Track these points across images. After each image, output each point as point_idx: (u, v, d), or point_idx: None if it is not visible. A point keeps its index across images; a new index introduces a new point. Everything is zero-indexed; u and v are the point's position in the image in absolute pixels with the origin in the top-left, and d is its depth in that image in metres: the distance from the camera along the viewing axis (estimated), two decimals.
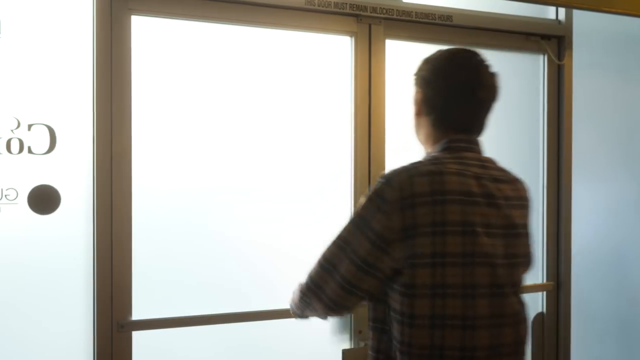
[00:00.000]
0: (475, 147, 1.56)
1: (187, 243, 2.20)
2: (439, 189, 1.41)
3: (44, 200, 1.98)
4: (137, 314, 2.08)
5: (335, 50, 2.40)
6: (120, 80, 2.06)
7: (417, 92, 1.60)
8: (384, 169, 2.35)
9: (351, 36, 2.39)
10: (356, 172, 2.38)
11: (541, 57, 2.79)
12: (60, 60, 2.01)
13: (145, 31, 2.12)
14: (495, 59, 1.61)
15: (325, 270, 1.50)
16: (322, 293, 1.51)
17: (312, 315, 1.65)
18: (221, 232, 2.24)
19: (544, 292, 2.78)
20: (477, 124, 1.57)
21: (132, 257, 2.08)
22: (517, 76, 2.75)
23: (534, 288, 2.76)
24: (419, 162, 1.51)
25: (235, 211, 2.26)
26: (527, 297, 1.60)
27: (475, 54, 1.56)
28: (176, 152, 2.18)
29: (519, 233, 1.54)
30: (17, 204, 1.95)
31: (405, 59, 2.41)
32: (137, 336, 2.09)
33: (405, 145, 2.19)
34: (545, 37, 2.74)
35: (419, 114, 1.60)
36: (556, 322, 2.78)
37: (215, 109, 2.25)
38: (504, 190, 1.51)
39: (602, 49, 3.11)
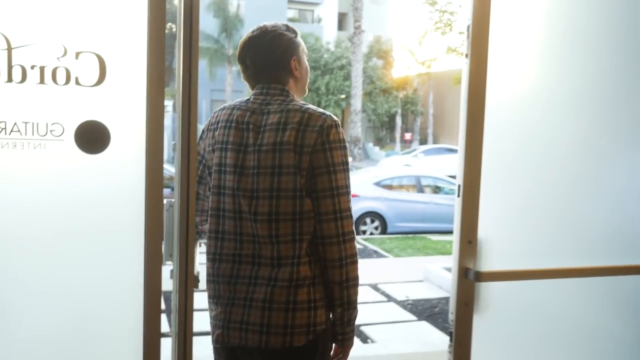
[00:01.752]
0: (266, 92, 2.01)
1: None
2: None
3: (92, 137, 1.80)
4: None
5: None
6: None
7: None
8: None
9: None
10: None
11: None
12: None
13: None
14: None
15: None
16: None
17: None
18: None
19: None
20: (263, 78, 2.03)
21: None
22: None
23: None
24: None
25: None
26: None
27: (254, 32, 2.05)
28: None
29: (263, 149, 1.92)
30: (63, 140, 1.78)
31: None
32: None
33: None
34: None
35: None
36: None
37: None
38: (261, 120, 1.96)
39: None
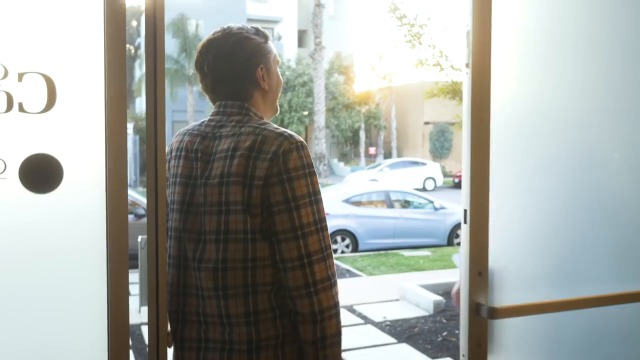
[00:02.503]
0: (222, 110, 1.70)
1: None
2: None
3: (41, 174, 1.51)
4: None
5: None
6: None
7: None
8: None
9: None
10: None
11: None
12: None
13: None
14: None
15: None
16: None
17: None
18: None
19: None
20: (222, 91, 1.72)
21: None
22: None
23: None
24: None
25: None
26: None
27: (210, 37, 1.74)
28: None
29: (210, 183, 1.62)
30: (5, 178, 1.49)
31: None
32: None
33: None
34: None
35: None
36: None
37: None
38: (212, 147, 1.65)
39: None
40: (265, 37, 1.75)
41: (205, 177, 1.62)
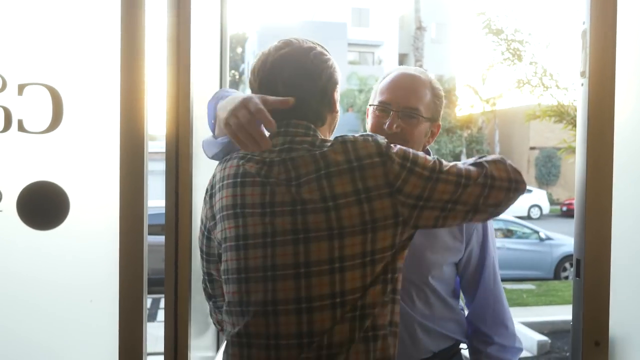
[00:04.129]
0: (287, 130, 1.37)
1: None
2: None
3: (42, 206, 1.25)
4: None
5: None
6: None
7: None
8: None
9: None
10: None
11: None
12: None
13: None
14: None
15: None
16: None
17: None
18: None
19: None
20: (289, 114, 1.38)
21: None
22: None
23: None
24: None
25: None
26: None
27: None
28: None
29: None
30: (0, 211, 1.23)
31: None
32: None
33: None
34: None
35: None
36: None
37: None
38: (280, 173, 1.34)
39: None
40: (328, 52, 1.46)
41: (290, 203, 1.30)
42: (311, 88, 1.39)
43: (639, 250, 1.44)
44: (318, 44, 1.48)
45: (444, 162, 1.32)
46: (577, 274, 1.46)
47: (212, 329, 1.78)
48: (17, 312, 1.28)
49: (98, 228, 1.27)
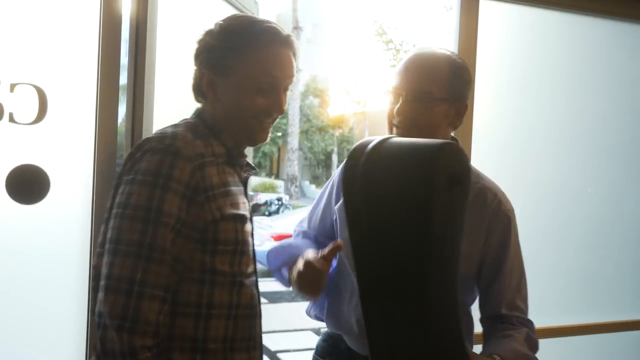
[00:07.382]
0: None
1: None
2: None
3: (27, 185, 1.51)
4: None
5: None
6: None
7: None
8: None
9: None
10: None
11: None
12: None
13: None
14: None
15: None
16: None
17: None
18: None
19: None
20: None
21: None
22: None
23: None
24: None
25: None
26: None
27: None
28: None
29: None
30: None
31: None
32: None
33: None
34: None
35: None
36: None
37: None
38: None
39: None
40: None
41: None
42: None
43: None
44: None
45: None
46: None
47: None
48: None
49: (74, 203, 1.55)
